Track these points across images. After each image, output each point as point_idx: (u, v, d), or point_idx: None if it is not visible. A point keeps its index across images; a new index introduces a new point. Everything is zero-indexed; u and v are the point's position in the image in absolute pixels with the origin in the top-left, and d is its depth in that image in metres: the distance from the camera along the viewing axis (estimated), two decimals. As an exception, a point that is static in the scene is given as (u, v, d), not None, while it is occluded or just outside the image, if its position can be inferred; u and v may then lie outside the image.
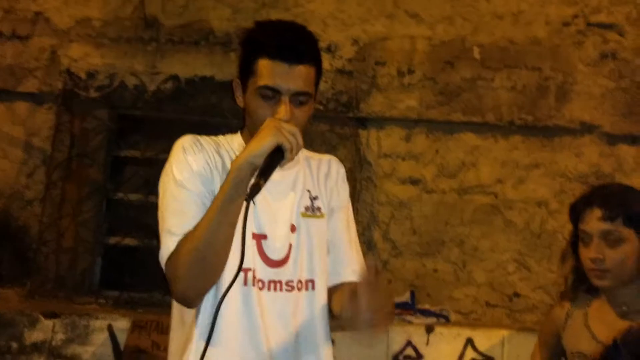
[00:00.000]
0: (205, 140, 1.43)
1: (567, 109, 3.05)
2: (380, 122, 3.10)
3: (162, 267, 1.33)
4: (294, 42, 1.37)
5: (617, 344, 0.69)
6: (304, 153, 1.52)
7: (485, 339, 2.66)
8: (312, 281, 1.42)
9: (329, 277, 1.47)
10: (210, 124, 3.03)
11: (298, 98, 1.36)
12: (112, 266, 3.10)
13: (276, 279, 1.39)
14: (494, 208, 3.04)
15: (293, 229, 1.42)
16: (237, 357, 1.34)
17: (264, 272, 1.38)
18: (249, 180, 1.27)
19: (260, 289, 1.37)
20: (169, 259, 1.31)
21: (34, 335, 2.64)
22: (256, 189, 1.25)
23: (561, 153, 3.05)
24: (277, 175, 1.39)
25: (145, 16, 3.17)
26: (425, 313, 2.81)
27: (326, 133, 3.10)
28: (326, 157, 1.57)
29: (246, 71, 1.39)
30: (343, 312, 1.40)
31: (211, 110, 3.10)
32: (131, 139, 3.25)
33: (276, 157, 1.28)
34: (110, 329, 2.64)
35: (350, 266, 1.48)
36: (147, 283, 2.93)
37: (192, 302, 1.33)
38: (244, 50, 1.41)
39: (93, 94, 3.13)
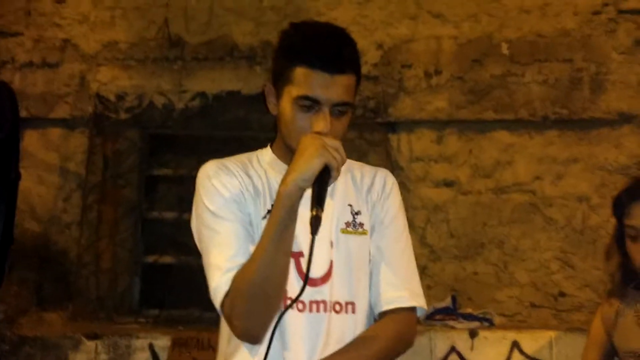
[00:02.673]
0: (230, 162, 1.35)
1: (603, 100, 2.96)
2: (410, 125, 3.06)
3: (216, 306, 1.26)
4: (335, 50, 1.27)
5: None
6: (346, 163, 1.40)
7: (532, 341, 2.58)
8: (353, 304, 1.32)
9: (372, 308, 1.36)
10: (239, 139, 3.03)
11: (338, 108, 1.27)
12: (151, 285, 3.12)
13: (319, 299, 1.29)
14: (532, 206, 2.96)
15: (332, 244, 1.32)
16: None
17: (304, 293, 1.26)
18: (299, 204, 1.20)
19: (301, 310, 1.28)
20: (226, 297, 1.24)
21: (78, 357, 2.67)
22: (317, 221, 1.17)
23: (600, 145, 2.96)
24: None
25: (170, 36, 3.20)
26: (468, 317, 2.74)
27: (355, 140, 3.07)
28: (372, 170, 1.45)
29: (282, 77, 1.30)
30: None
31: (239, 124, 3.10)
32: (163, 157, 3.27)
33: (324, 178, 1.20)
34: (151, 347, 2.65)
35: (387, 293, 1.34)
36: (185, 300, 2.94)
37: (257, 337, 1.25)
38: (280, 55, 1.32)
39: (123, 115, 3.17)
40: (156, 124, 3.21)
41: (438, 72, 3.05)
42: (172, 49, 3.19)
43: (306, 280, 1.17)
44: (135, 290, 3.11)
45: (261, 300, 1.20)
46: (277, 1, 3.15)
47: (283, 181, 1.21)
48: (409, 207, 3.01)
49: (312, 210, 1.18)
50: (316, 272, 1.29)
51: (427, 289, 2.95)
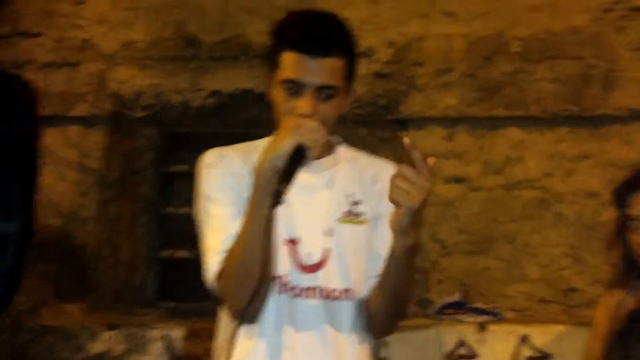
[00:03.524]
0: (229, 150, 1.39)
1: (614, 97, 2.97)
2: (421, 122, 3.09)
3: (210, 288, 1.30)
4: (320, 34, 1.29)
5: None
6: (349, 153, 1.43)
7: (540, 335, 2.60)
8: (350, 290, 1.34)
9: (366, 282, 1.36)
10: (254, 136, 3.09)
11: (323, 92, 1.28)
12: (167, 278, 3.19)
13: (312, 285, 1.32)
14: (543, 202, 2.98)
15: (329, 233, 1.34)
16: None
17: (298, 279, 1.32)
18: (274, 183, 1.22)
19: (295, 296, 1.31)
20: (217, 279, 1.28)
21: (96, 347, 2.74)
22: (279, 196, 1.19)
23: (610, 142, 2.97)
24: (310, 176, 1.33)
25: (186, 35, 3.28)
26: (477, 312, 2.77)
27: (367, 137, 3.12)
28: (379, 162, 1.45)
29: (272, 63, 1.33)
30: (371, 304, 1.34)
31: (253, 122, 3.16)
32: (179, 154, 3.34)
33: (298, 158, 1.22)
34: (166, 338, 2.71)
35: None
36: (200, 293, 2.99)
37: (252, 317, 1.29)
38: (272, 41, 1.35)
39: (140, 113, 3.25)
40: (173, 121, 3.28)
41: (449, 70, 3.09)
42: (188, 48, 3.26)
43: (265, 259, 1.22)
44: (151, 283, 3.19)
45: (248, 280, 1.22)
46: (291, 0, 3.21)
47: (258, 163, 1.24)
48: (420, 203, 3.05)
49: (277, 184, 1.20)
50: (308, 259, 1.32)
51: (438, 283, 2.99)
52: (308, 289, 1.32)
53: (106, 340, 2.73)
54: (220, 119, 3.24)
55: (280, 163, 1.21)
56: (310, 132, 1.21)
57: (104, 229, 3.18)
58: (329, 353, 1.31)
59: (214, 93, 3.23)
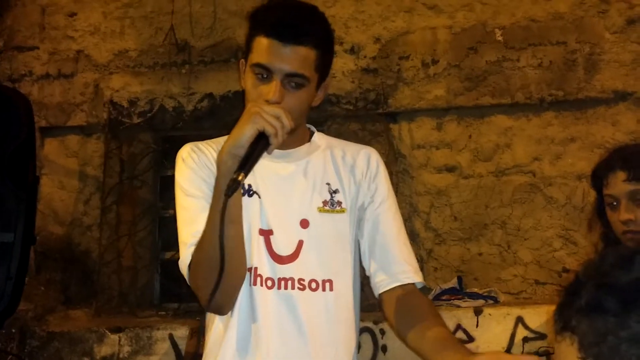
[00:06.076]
0: (203, 144, 1.39)
1: (598, 79, 3.02)
2: (410, 114, 3.15)
3: (186, 279, 1.30)
4: (293, 21, 1.27)
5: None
6: (325, 140, 1.42)
7: (535, 316, 2.65)
8: (330, 281, 1.32)
9: (378, 281, 1.36)
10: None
11: (292, 80, 1.27)
12: (170, 280, 3.27)
13: (287, 276, 1.30)
14: (533, 186, 3.04)
15: (305, 224, 1.33)
16: None
17: (272, 270, 1.30)
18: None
19: (269, 287, 1.30)
20: (189, 270, 1.27)
21: (103, 350, 2.82)
22: (234, 184, 1.14)
23: (596, 124, 3.02)
24: (286, 165, 1.34)
25: (177, 41, 3.34)
26: (473, 296, 2.82)
27: (358, 132, 3.18)
28: (355, 148, 1.43)
29: (247, 48, 1.33)
30: (410, 342, 1.31)
31: (246, 122, 3.22)
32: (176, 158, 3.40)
33: (260, 145, 1.18)
34: (171, 337, 2.78)
35: (403, 266, 1.37)
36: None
37: (221, 309, 1.28)
38: (248, 27, 1.34)
39: (136, 120, 3.32)
40: (168, 126, 3.35)
41: (435, 62, 3.14)
42: (180, 53, 3.33)
43: (222, 254, 1.13)
44: (155, 285, 3.26)
45: (213, 270, 1.17)
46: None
47: (220, 151, 1.22)
48: (413, 193, 3.12)
49: (234, 172, 1.16)
50: (283, 250, 1.32)
51: (434, 271, 3.05)
52: (283, 280, 1.31)
53: (113, 343, 2.80)
54: (213, 121, 3.30)
55: (241, 151, 1.17)
56: (272, 118, 1.18)
57: (106, 235, 3.25)
58: (305, 346, 1.30)
59: (207, 96, 3.30)
